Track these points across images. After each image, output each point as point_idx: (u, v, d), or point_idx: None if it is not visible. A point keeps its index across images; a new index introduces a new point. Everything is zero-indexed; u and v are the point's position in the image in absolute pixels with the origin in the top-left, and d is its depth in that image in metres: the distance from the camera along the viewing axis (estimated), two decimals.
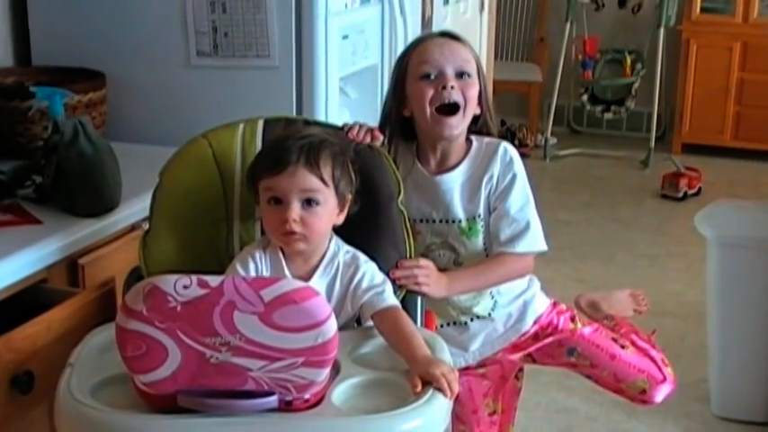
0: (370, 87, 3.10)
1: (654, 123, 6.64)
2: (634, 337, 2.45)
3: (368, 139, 1.99)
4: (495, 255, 2.17)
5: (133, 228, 2.25)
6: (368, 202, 1.89)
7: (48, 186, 2.22)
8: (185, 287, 1.46)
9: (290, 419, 1.54)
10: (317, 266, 1.83)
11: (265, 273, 1.81)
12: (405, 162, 2.18)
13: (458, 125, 2.12)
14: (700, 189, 5.95)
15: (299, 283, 1.52)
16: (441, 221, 2.17)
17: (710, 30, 6.61)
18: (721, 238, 3.26)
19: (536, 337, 2.33)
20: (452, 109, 2.11)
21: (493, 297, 2.25)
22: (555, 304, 2.39)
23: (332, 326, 1.51)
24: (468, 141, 2.20)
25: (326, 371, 1.55)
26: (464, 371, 2.29)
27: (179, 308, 1.46)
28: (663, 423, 3.39)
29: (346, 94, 2.96)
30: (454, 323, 2.26)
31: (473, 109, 2.15)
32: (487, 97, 2.21)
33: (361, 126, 2.01)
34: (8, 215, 2.18)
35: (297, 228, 1.75)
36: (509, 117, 7.01)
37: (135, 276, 1.96)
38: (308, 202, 1.76)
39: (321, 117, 2.67)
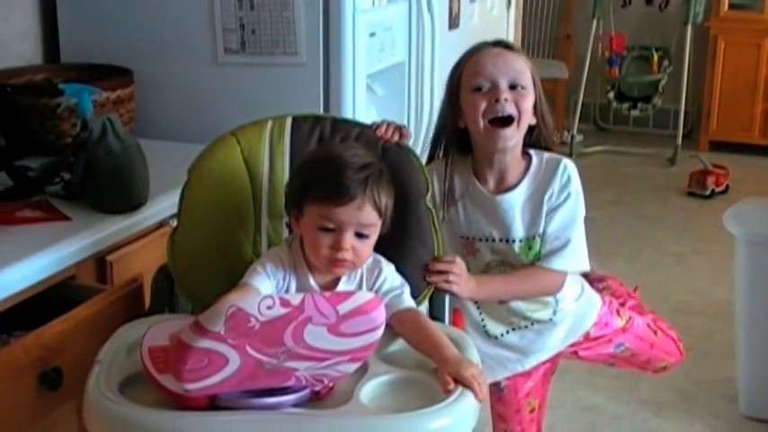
0: (397, 85, 3.09)
1: (681, 120, 6.60)
2: (654, 318, 2.52)
3: (396, 137, 1.98)
4: (528, 267, 2.17)
5: (161, 225, 2.25)
6: (396, 201, 1.89)
7: (76, 183, 2.23)
8: (269, 308, 1.45)
9: (321, 418, 1.54)
10: (340, 276, 1.83)
11: (293, 283, 1.80)
12: (461, 177, 2.19)
13: (512, 137, 2.11)
14: (727, 187, 5.91)
15: (369, 295, 1.53)
16: (500, 240, 2.17)
17: (738, 26, 6.57)
18: (750, 236, 3.23)
19: (588, 336, 2.34)
20: (507, 121, 2.09)
21: (557, 302, 2.25)
22: (604, 300, 2.38)
23: (383, 327, 1.54)
24: (527, 156, 2.18)
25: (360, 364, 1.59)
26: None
27: (257, 326, 1.45)
28: (690, 422, 3.37)
29: (373, 92, 2.95)
30: (513, 329, 2.26)
31: (528, 120, 2.14)
32: (543, 107, 2.19)
33: (389, 124, 2.00)
34: (37, 212, 2.18)
35: (348, 256, 1.75)
36: None
37: (163, 274, 1.96)
38: (363, 232, 1.76)
39: (348, 114, 2.67)
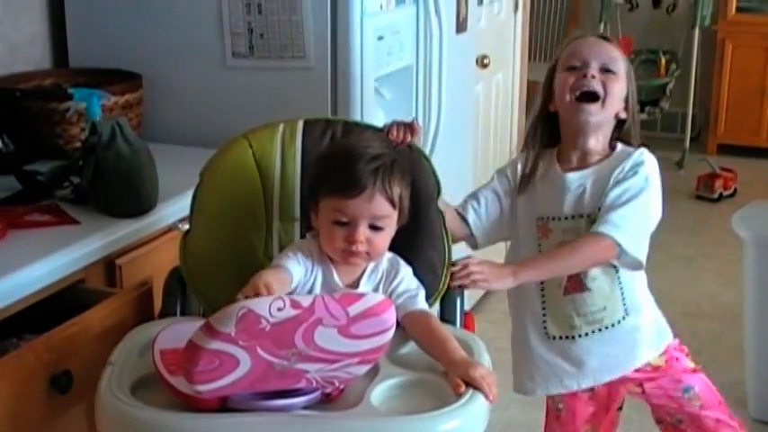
0: (405, 88, 3.09)
1: (689, 124, 6.60)
2: None
3: (408, 138, 1.97)
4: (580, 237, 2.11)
5: (170, 229, 2.26)
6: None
7: (85, 187, 2.23)
8: (279, 309, 1.45)
9: (331, 420, 1.54)
10: (362, 274, 1.83)
11: (318, 277, 1.80)
12: (544, 163, 2.20)
13: (596, 113, 2.12)
14: (735, 190, 5.90)
15: (380, 297, 1.54)
16: (571, 218, 2.14)
17: (746, 30, 6.56)
18: (758, 239, 3.23)
19: (657, 368, 2.25)
20: (592, 97, 2.11)
21: (626, 309, 2.19)
22: (679, 344, 2.31)
23: (393, 329, 1.54)
24: (611, 149, 2.18)
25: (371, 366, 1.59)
26: (572, 392, 2.27)
27: (268, 328, 1.45)
28: None
29: (381, 95, 2.95)
30: (575, 336, 2.19)
31: (615, 105, 2.14)
32: (635, 104, 2.19)
33: (398, 125, 1.99)
34: (46, 216, 2.19)
35: (363, 248, 1.75)
36: None
37: (175, 276, 1.96)
38: (376, 224, 1.76)
39: (356, 118, 2.67)
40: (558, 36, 7.23)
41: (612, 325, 2.18)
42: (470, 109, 3.83)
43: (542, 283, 2.18)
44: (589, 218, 2.12)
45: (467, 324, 1.97)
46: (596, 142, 2.16)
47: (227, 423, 1.52)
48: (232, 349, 1.46)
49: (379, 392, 1.61)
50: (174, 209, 2.25)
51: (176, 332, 1.67)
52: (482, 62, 3.90)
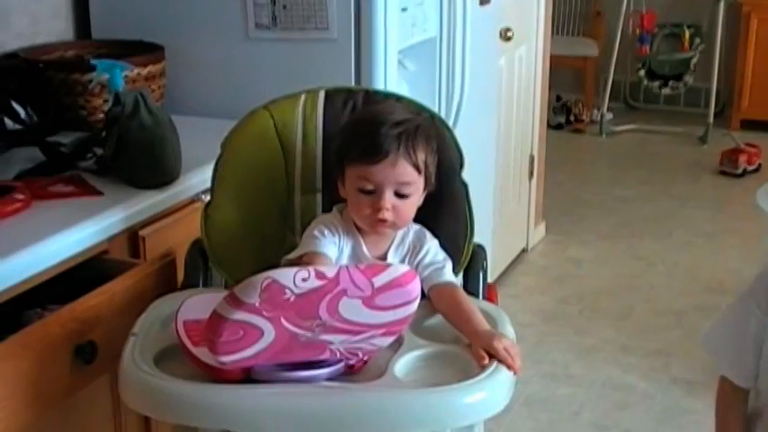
0: (429, 60, 3.08)
1: (712, 99, 6.56)
2: None
3: None
4: None
5: (193, 200, 2.25)
6: None
7: (108, 158, 2.23)
8: (304, 280, 1.44)
9: (354, 391, 1.54)
10: (389, 246, 1.82)
11: (346, 249, 1.79)
12: None
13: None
14: (759, 165, 5.87)
15: (404, 268, 1.52)
16: None
17: None
18: None
19: None
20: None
21: None
22: None
23: (418, 301, 1.52)
24: None
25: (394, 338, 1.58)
26: None
27: (292, 299, 1.44)
28: None
29: (405, 67, 2.94)
30: None
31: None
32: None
33: None
34: (70, 187, 2.19)
35: (389, 216, 1.74)
36: (565, 92, 6.94)
37: (197, 248, 1.96)
38: (402, 191, 1.74)
39: None
40: (580, 10, 7.19)
41: None
42: (493, 82, 3.81)
43: None
44: None
45: (489, 296, 1.95)
46: None
47: (251, 394, 1.52)
48: (256, 320, 1.46)
49: (402, 364, 1.61)
50: (197, 180, 2.24)
51: (199, 303, 1.66)
52: (505, 35, 3.88)
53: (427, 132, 1.78)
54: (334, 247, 1.77)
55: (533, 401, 3.35)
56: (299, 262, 1.71)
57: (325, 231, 1.78)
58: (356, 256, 1.80)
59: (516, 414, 3.25)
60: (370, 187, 1.74)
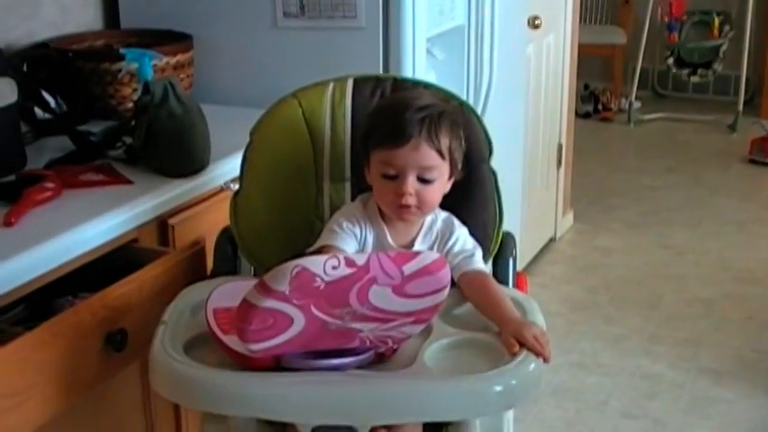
0: (457, 48, 3.07)
1: (742, 86, 6.50)
2: None
3: None
4: None
5: (222, 189, 2.26)
6: None
7: (138, 147, 2.24)
8: (334, 267, 1.44)
9: (384, 379, 1.54)
10: (417, 234, 1.82)
11: (369, 239, 1.79)
12: None
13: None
14: None
15: (434, 255, 1.51)
16: None
17: None
18: None
19: None
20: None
21: None
22: None
23: (448, 289, 1.52)
24: None
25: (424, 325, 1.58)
26: None
27: (322, 286, 1.44)
28: (751, 390, 3.32)
29: (433, 56, 2.93)
30: None
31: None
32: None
33: None
34: (100, 175, 2.20)
35: (412, 201, 1.73)
36: (593, 81, 6.91)
37: (226, 236, 1.97)
38: (425, 176, 1.74)
39: None
40: None
41: None
42: (521, 70, 3.80)
43: None
44: None
45: (519, 284, 1.95)
46: None
47: (281, 382, 1.52)
48: (286, 308, 1.46)
49: (432, 352, 1.61)
50: (226, 169, 2.25)
51: (229, 291, 1.67)
52: (533, 23, 3.86)
53: (452, 118, 1.78)
54: (352, 240, 1.77)
55: (561, 391, 3.34)
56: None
57: (344, 224, 1.78)
58: (380, 244, 1.79)
59: (544, 403, 3.24)
60: (392, 172, 1.73)
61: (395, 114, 1.74)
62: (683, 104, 7.00)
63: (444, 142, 1.74)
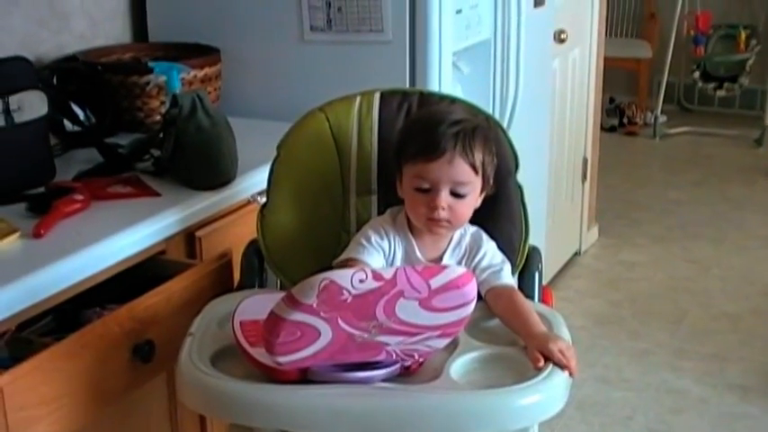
0: (483, 62, 3.07)
1: None
2: None
3: None
4: None
5: (248, 202, 2.27)
6: None
7: (166, 159, 2.25)
8: (361, 281, 1.45)
9: (410, 392, 1.54)
10: (446, 249, 1.82)
11: (398, 253, 1.80)
12: None
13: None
14: None
15: (461, 269, 1.52)
16: None
17: None
18: None
19: None
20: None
21: None
22: None
23: (474, 302, 1.53)
24: None
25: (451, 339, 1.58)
26: None
27: (350, 299, 1.45)
28: None
29: (459, 70, 2.93)
30: None
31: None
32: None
33: None
34: (128, 188, 2.21)
35: (444, 215, 1.74)
36: (618, 94, 6.89)
37: (253, 249, 1.98)
38: (458, 191, 1.74)
39: None
40: (634, 11, 7.14)
41: None
42: (547, 84, 3.80)
43: None
44: None
45: (545, 298, 1.95)
46: None
47: (307, 394, 1.53)
48: (313, 321, 1.47)
49: (458, 366, 1.61)
50: (253, 181, 2.26)
51: (256, 303, 1.68)
52: (559, 37, 3.86)
53: (485, 133, 1.79)
54: (378, 255, 1.78)
55: (586, 405, 3.33)
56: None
57: (372, 238, 1.79)
58: (408, 258, 1.80)
59: (569, 418, 3.23)
60: (426, 186, 1.74)
61: (429, 128, 1.75)
62: (708, 119, 6.97)
63: (478, 157, 1.74)
